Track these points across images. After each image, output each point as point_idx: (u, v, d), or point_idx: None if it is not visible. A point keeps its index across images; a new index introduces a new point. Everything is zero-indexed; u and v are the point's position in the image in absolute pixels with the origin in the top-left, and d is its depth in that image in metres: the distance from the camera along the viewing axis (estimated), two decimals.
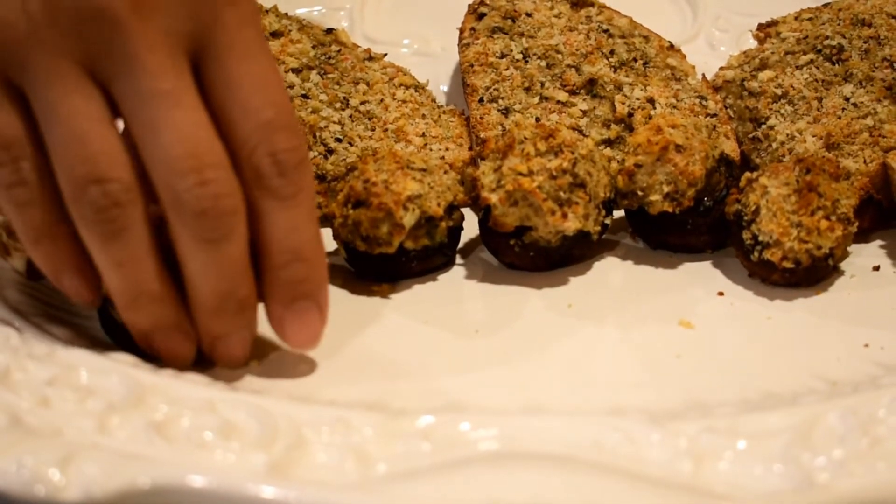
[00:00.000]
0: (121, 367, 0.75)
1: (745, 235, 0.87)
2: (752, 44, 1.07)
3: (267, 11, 1.03)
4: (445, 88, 1.11)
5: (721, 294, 0.87)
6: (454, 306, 0.87)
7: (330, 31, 1.04)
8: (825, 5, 1.06)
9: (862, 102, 0.95)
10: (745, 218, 0.87)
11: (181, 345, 0.77)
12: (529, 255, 0.88)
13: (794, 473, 0.67)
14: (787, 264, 0.85)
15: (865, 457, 0.68)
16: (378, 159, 0.88)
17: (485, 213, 0.89)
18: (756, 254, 0.86)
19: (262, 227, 0.75)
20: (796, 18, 1.05)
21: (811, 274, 0.86)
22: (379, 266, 0.88)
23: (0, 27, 0.72)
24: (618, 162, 0.92)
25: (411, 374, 0.80)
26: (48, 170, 0.73)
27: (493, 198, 0.87)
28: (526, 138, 0.88)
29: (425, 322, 0.85)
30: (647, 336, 0.84)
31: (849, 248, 0.88)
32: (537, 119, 0.96)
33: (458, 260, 0.92)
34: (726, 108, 0.99)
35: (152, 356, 0.78)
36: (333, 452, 0.69)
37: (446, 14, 1.11)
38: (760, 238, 0.86)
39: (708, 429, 0.70)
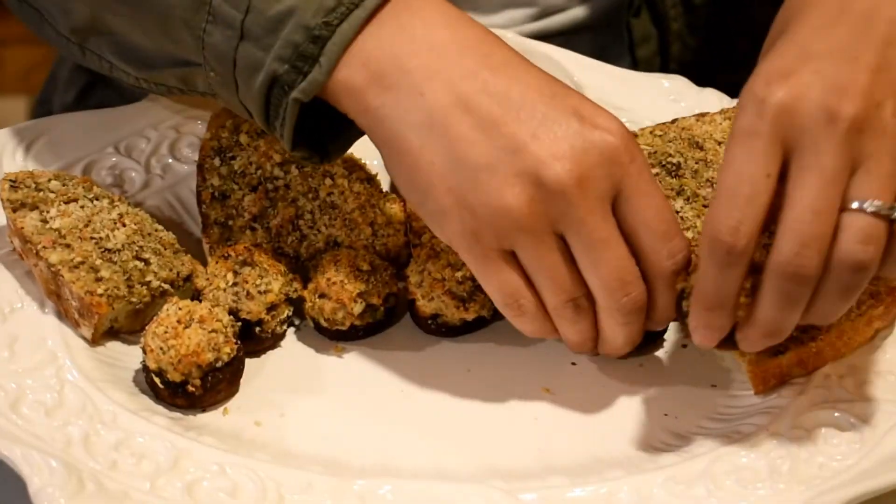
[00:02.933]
0: (162, 432, 1.11)
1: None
2: None
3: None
4: None
5: (573, 364, 1.25)
6: (387, 368, 1.23)
7: None
8: (674, 121, 1.33)
9: (687, 217, 1.26)
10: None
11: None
12: (441, 330, 1.26)
13: None
14: None
15: None
16: (337, 261, 1.24)
17: (411, 301, 1.26)
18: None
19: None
20: (651, 133, 1.32)
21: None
22: (336, 334, 1.26)
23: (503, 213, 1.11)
24: None
25: (358, 432, 1.17)
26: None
27: (417, 293, 1.24)
28: (442, 251, 1.24)
29: (368, 382, 1.22)
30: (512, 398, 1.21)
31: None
32: None
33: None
34: None
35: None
36: None
37: None
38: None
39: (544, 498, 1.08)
